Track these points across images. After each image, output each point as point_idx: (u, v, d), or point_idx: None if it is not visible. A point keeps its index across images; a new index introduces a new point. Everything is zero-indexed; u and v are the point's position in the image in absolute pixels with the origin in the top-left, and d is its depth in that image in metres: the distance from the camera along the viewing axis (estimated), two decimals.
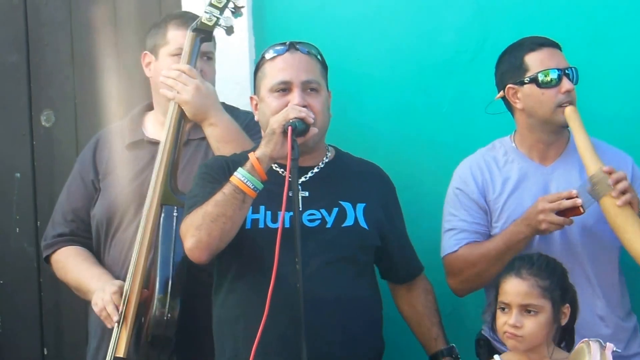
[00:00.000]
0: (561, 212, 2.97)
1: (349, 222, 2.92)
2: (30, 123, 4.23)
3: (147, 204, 3.10)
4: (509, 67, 3.17)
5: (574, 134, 3.07)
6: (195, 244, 2.75)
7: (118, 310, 3.05)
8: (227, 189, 2.74)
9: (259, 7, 3.83)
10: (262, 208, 2.85)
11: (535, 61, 3.12)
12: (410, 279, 3.15)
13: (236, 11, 3.17)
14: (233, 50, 3.80)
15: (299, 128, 2.76)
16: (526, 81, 3.12)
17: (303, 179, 2.92)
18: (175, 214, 3.03)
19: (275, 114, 2.82)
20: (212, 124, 3.12)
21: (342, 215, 2.92)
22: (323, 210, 2.91)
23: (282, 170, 2.89)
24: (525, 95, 3.14)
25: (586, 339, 2.73)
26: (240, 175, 2.74)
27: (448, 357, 3.08)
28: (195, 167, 3.14)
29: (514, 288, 2.81)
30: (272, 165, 2.85)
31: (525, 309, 2.79)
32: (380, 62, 3.73)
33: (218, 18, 3.13)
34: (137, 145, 3.33)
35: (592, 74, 3.35)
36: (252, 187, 2.73)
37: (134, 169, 3.28)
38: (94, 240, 3.35)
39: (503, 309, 2.83)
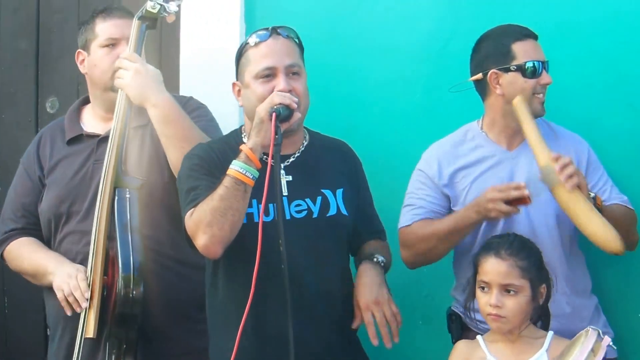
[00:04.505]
0: (510, 201, 3.00)
1: (332, 211, 2.98)
2: (36, 109, 4.34)
3: (100, 189, 3.16)
4: (494, 52, 3.19)
5: (523, 125, 3.09)
6: (210, 240, 2.78)
7: (85, 295, 3.11)
8: (228, 182, 2.77)
9: None
10: (254, 202, 2.87)
11: (522, 50, 3.15)
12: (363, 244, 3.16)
13: None
14: (223, 38, 3.87)
15: (283, 114, 2.80)
16: (512, 69, 3.14)
17: (286, 163, 2.97)
18: (127, 195, 3.13)
19: (262, 99, 2.85)
20: (154, 105, 3.16)
21: (325, 204, 2.98)
22: (308, 200, 2.96)
23: (267, 157, 2.89)
24: (507, 82, 3.16)
25: (588, 327, 2.76)
26: (237, 167, 2.77)
27: (368, 260, 3.03)
28: (142, 152, 3.25)
29: (494, 268, 2.84)
30: None
31: (505, 289, 2.82)
32: (358, 47, 3.78)
33: (162, 6, 3.18)
34: (77, 140, 3.39)
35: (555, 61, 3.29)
36: (251, 177, 2.78)
37: (76, 162, 3.34)
38: (44, 235, 3.38)
39: (483, 288, 2.85)
